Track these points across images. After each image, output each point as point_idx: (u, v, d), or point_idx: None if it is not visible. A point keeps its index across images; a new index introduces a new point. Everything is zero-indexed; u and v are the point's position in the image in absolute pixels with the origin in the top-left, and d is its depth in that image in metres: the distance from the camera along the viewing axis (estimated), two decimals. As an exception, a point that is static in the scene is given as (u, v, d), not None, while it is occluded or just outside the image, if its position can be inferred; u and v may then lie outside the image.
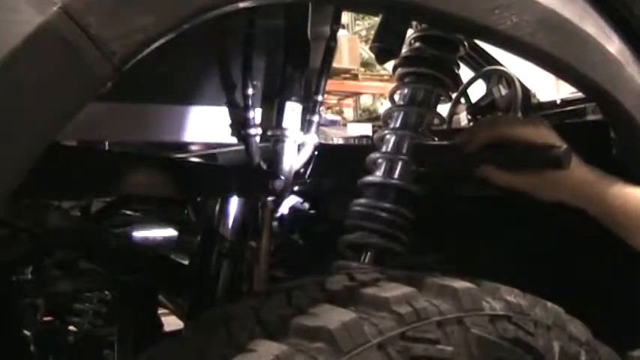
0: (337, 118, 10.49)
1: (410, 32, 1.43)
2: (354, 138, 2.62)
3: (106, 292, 2.38)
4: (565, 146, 1.17)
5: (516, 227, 1.59)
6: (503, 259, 1.61)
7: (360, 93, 12.14)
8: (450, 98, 1.43)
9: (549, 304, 1.02)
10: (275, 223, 1.49)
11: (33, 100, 0.66)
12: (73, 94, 0.69)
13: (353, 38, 10.66)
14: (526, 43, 1.06)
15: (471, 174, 1.30)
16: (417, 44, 1.39)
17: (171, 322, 2.14)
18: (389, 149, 1.34)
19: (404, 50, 1.41)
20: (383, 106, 11.34)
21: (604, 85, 1.17)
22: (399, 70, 1.41)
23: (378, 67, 10.72)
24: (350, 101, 12.64)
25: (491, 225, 1.63)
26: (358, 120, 10.58)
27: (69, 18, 0.66)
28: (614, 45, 1.21)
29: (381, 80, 11.43)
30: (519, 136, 1.22)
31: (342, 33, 9.43)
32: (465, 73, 2.97)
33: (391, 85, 1.42)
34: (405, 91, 1.39)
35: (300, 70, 1.37)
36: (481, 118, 2.74)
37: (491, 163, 1.23)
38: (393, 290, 0.90)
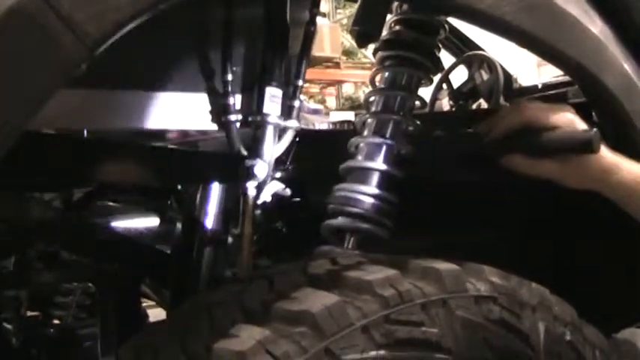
0: (320, 106, 10.48)
1: (390, 16, 1.42)
2: (336, 123, 2.61)
3: (90, 285, 2.36)
4: (595, 130, 1.16)
5: (508, 212, 1.59)
6: (493, 244, 1.61)
7: (342, 81, 12.14)
8: (431, 81, 1.42)
9: (534, 284, 1.02)
10: (258, 211, 1.47)
11: (5, 84, 0.65)
12: (46, 77, 0.68)
13: (334, 27, 10.65)
14: (506, 22, 1.05)
15: (480, 161, 1.29)
16: (397, 27, 1.38)
17: (158, 315, 2.13)
18: (370, 133, 1.33)
19: (384, 34, 1.40)
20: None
21: (586, 64, 1.17)
22: (380, 54, 1.40)
23: (359, 55, 10.74)
24: (332, 90, 12.64)
25: (481, 210, 1.62)
26: (341, 108, 10.58)
27: (41, -1, 0.65)
28: (596, 26, 1.20)
29: (363, 68, 11.44)
30: (546, 121, 1.20)
31: (323, 22, 9.41)
32: (447, 58, 2.96)
33: (374, 74, 1.42)
34: (386, 74, 1.38)
35: (280, 56, 1.35)
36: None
37: (517, 151, 1.21)
38: (377, 273, 0.89)
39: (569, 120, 1.20)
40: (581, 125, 1.19)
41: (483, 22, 1.11)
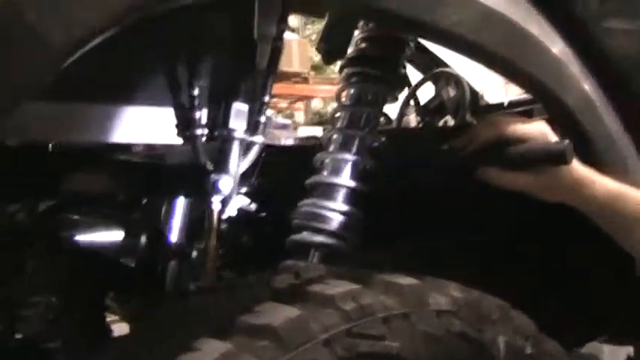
0: (288, 121, 10.47)
1: (357, 33, 1.43)
2: (302, 139, 2.62)
3: (53, 298, 2.34)
4: (567, 141, 1.18)
5: (496, 217, 1.59)
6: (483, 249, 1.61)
7: (310, 97, 12.12)
8: (397, 98, 1.43)
9: (495, 298, 1.03)
10: (223, 225, 1.48)
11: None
12: (11, 86, 0.68)
13: (303, 42, 10.62)
14: (469, 41, 1.07)
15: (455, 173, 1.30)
16: (364, 44, 1.40)
17: (121, 329, 2.11)
18: (336, 149, 1.35)
19: (350, 50, 1.42)
20: (334, 110, 11.27)
21: (546, 82, 1.19)
22: (346, 71, 1.41)
23: (328, 70, 10.73)
24: (301, 105, 12.63)
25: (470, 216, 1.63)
26: (309, 123, 10.57)
27: (9, 7, 0.65)
28: (556, 45, 1.23)
29: (331, 84, 11.41)
30: (521, 134, 1.22)
31: (292, 37, 9.39)
32: (414, 75, 2.99)
33: (343, 89, 1.43)
34: (352, 91, 1.39)
35: (247, 71, 1.36)
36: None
37: (493, 164, 1.23)
38: (339, 287, 0.90)
39: (542, 133, 1.22)
40: (554, 138, 1.21)
41: (447, 41, 1.13)
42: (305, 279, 0.93)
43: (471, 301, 0.99)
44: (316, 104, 12.72)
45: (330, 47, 1.40)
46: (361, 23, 1.42)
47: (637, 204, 1.18)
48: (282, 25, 1.39)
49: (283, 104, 11.94)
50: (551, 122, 1.35)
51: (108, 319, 2.07)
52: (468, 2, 1.06)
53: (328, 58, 1.45)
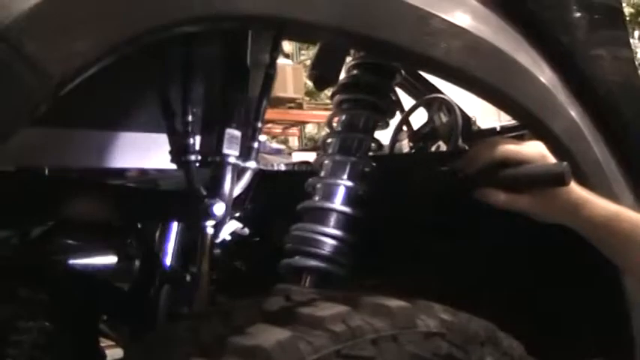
0: (282, 147, 10.50)
1: (349, 59, 1.46)
2: (294, 164, 2.64)
3: (46, 323, 2.33)
4: (566, 163, 1.20)
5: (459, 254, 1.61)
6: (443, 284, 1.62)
7: (304, 122, 12.17)
8: (387, 124, 1.45)
9: (483, 320, 1.05)
10: (217, 250, 1.49)
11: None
12: (8, 115, 0.69)
13: (297, 67, 10.65)
14: (457, 69, 1.09)
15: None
16: (355, 71, 1.42)
17: (116, 354, 2.11)
18: (327, 174, 1.37)
19: (342, 77, 1.44)
20: (328, 135, 11.28)
21: (533, 110, 1.21)
22: (337, 97, 1.43)
23: (322, 96, 10.77)
24: (295, 130, 12.67)
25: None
26: (303, 149, 10.61)
27: (5, 40, 0.67)
28: (544, 74, 1.25)
29: (325, 109, 11.46)
30: (520, 156, 1.23)
31: (286, 62, 9.42)
32: (407, 101, 3.02)
33: (336, 114, 1.45)
34: (343, 117, 1.41)
35: (240, 97, 1.38)
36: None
37: (492, 185, 1.24)
38: (329, 309, 0.91)
39: (541, 155, 1.23)
40: (552, 159, 1.23)
41: (436, 69, 1.15)
42: (296, 301, 0.95)
43: (458, 323, 1.00)
44: (310, 129, 12.77)
45: (321, 74, 1.42)
46: (353, 50, 1.44)
47: (631, 224, 1.20)
48: (275, 52, 1.41)
49: (277, 129, 11.98)
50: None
51: (101, 344, 2.08)
52: (457, 31, 1.09)
53: (319, 85, 1.48)
